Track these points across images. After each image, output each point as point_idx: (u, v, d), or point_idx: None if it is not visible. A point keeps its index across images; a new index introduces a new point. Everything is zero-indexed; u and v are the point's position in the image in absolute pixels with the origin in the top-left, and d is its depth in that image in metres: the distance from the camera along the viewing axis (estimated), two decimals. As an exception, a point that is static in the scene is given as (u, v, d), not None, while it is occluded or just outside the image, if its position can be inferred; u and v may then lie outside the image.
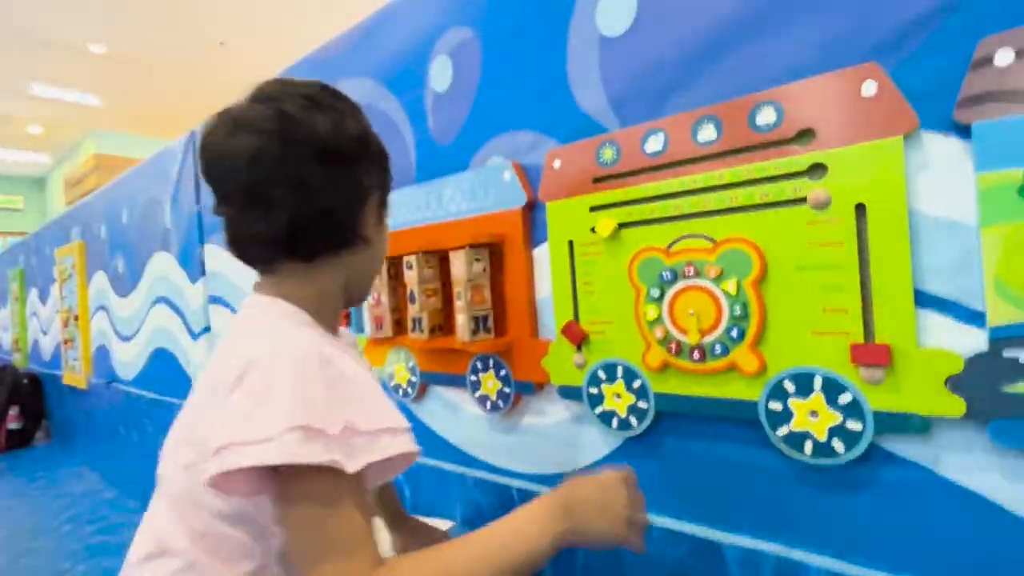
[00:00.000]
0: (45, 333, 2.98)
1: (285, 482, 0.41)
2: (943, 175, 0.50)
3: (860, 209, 0.53)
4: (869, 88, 0.52)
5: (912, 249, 0.51)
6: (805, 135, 0.56)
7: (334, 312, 0.56)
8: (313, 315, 0.51)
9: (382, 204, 0.56)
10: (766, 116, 0.57)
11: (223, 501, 0.45)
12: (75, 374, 2.50)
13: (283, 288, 0.51)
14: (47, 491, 2.25)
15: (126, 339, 2.06)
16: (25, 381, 3.02)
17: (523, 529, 0.45)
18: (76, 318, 2.43)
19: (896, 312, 0.51)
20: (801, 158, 0.55)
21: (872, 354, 0.51)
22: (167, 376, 1.77)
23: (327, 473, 0.40)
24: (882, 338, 0.52)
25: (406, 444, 0.44)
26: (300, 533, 0.41)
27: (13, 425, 2.94)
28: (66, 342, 2.58)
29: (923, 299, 0.51)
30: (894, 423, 0.52)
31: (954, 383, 0.49)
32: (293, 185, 0.46)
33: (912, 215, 0.51)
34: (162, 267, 1.77)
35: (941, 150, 0.50)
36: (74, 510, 2.01)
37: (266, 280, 0.53)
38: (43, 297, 2.99)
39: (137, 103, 6.32)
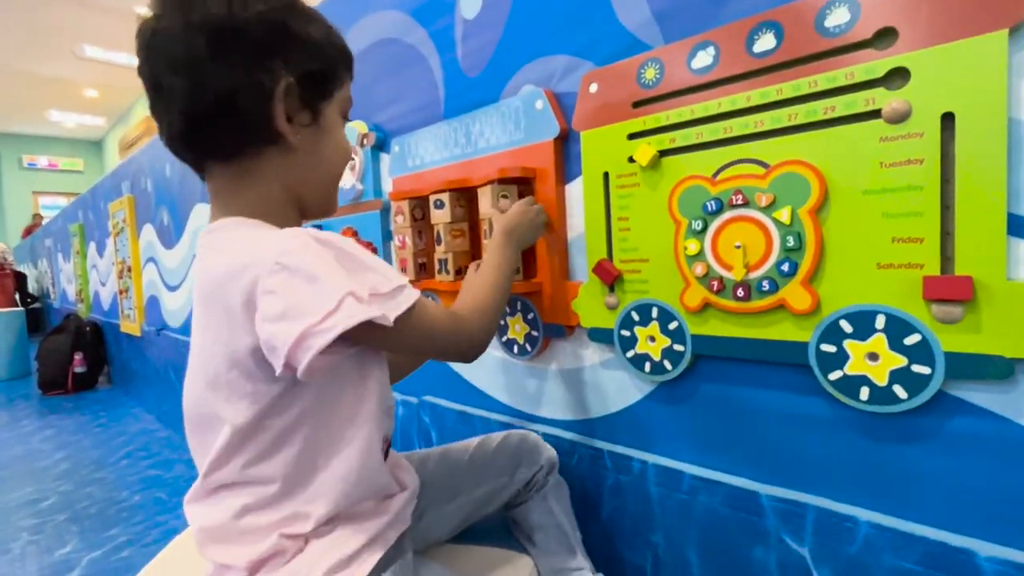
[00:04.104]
0: (103, 284, 3.14)
1: (370, 333, 0.44)
2: (1056, 75, 0.41)
3: (947, 120, 0.45)
4: (970, -28, 0.43)
5: (1008, 167, 0.43)
6: (884, 36, 0.47)
7: (290, 221, 0.51)
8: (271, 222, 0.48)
9: (314, 100, 0.49)
10: (838, 16, 0.49)
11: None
12: (130, 322, 2.62)
13: (226, 201, 0.49)
14: (108, 429, 2.41)
15: (173, 289, 2.13)
16: (88, 329, 3.21)
17: (500, 257, 0.66)
18: (129, 269, 2.53)
19: (984, 240, 0.44)
20: (878, 63, 0.47)
21: (951, 288, 0.45)
22: (210, 323, 1.82)
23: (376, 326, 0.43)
24: (963, 270, 0.45)
25: (416, 293, 0.48)
26: (406, 341, 0.49)
27: (78, 369, 3.14)
28: (121, 292, 2.71)
29: (1017, 225, 0.43)
30: (970, 366, 0.45)
31: (1049, 321, 0.42)
32: (181, 70, 0.44)
33: (1012, 126, 0.43)
34: (203, 218, 1.79)
35: (1057, 44, 0.41)
36: (131, 446, 2.15)
37: (212, 195, 0.50)
38: (100, 250, 3.13)
39: (182, 65, 6.41)
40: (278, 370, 0.41)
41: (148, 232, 2.34)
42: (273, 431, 0.46)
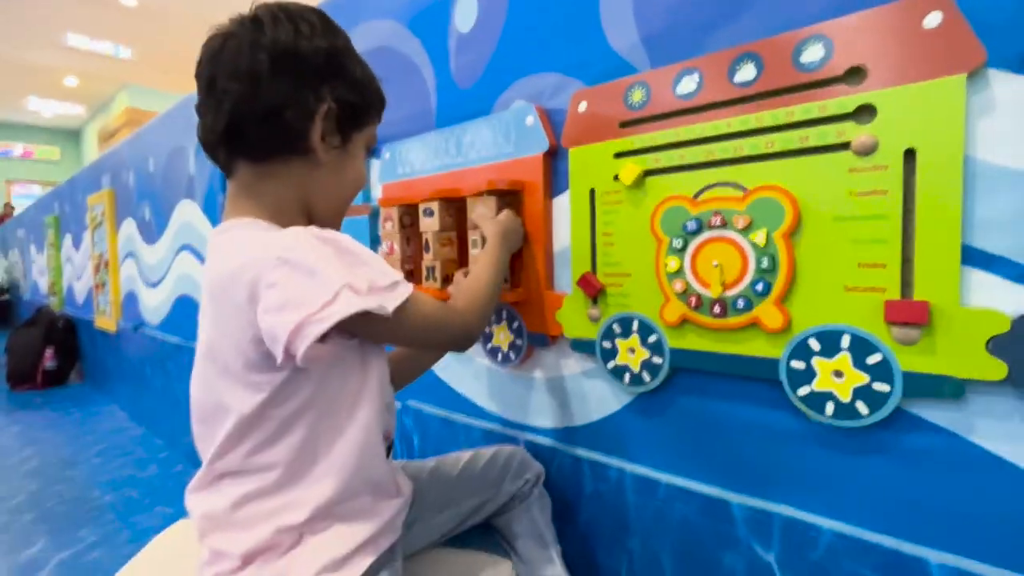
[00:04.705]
0: (79, 278, 3.07)
1: (367, 324, 0.47)
2: (1008, 119, 0.45)
3: (909, 155, 0.48)
4: (933, 19, 0.46)
5: (964, 201, 0.46)
6: (854, 74, 0.51)
7: (297, 225, 0.53)
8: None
9: (346, 128, 0.55)
10: (813, 53, 0.52)
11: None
12: (106, 318, 2.57)
13: (242, 202, 0.53)
14: (79, 426, 2.35)
15: (153, 285, 2.10)
16: (60, 324, 3.13)
17: (494, 258, 0.69)
18: (107, 264, 2.48)
19: (940, 268, 0.47)
20: (848, 99, 0.51)
21: (910, 311, 0.48)
22: (190, 322, 1.80)
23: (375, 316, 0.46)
24: (921, 295, 0.48)
25: (410, 288, 0.51)
26: (401, 333, 0.52)
27: (49, 364, 3.06)
28: (97, 287, 2.65)
29: (970, 255, 0.47)
30: (925, 386, 0.48)
31: (996, 345, 0.45)
32: (241, 78, 0.49)
33: (967, 163, 0.46)
34: (187, 215, 1.78)
35: (1009, 90, 0.45)
36: (103, 444, 2.10)
37: (230, 194, 0.55)
38: (76, 243, 3.06)
39: (167, 57, 6.33)
40: (279, 358, 0.44)
41: (128, 226, 2.30)
42: (277, 419, 0.48)
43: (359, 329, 0.48)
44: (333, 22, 0.54)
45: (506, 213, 0.76)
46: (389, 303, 0.47)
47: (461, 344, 0.60)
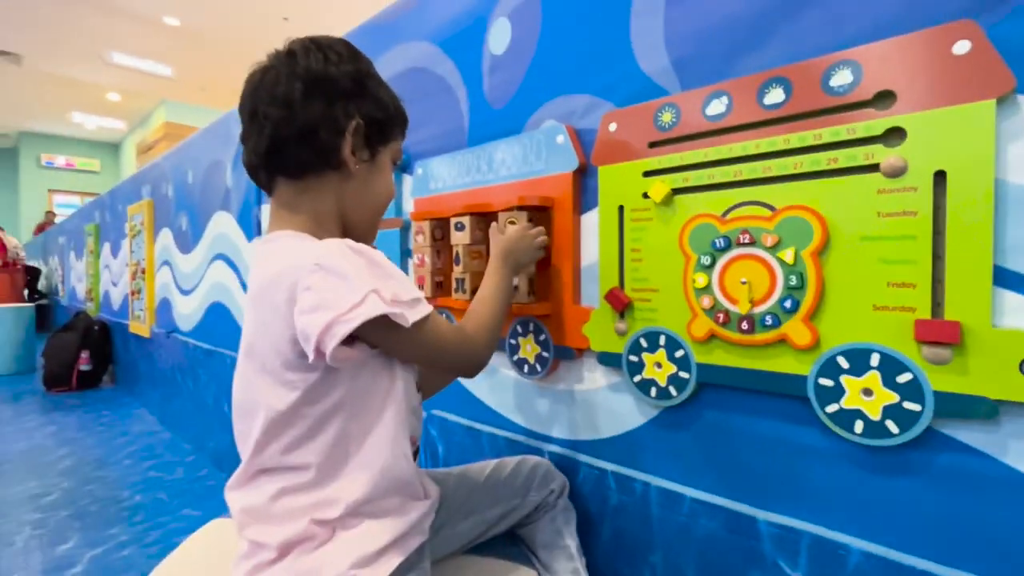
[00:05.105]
0: (115, 284, 3.19)
1: (387, 332, 0.51)
2: (1038, 143, 0.45)
3: (939, 177, 0.49)
4: (962, 47, 0.47)
5: (995, 223, 0.47)
6: (883, 98, 0.52)
7: (335, 236, 0.58)
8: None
9: (373, 142, 0.59)
10: (842, 77, 0.54)
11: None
12: (140, 323, 2.66)
13: (283, 216, 0.58)
14: (111, 428, 2.42)
15: (186, 293, 2.18)
16: (96, 328, 3.25)
17: (498, 279, 0.70)
18: (143, 272, 2.58)
19: (971, 289, 0.48)
20: (877, 122, 0.52)
21: (941, 331, 0.48)
22: (221, 329, 1.86)
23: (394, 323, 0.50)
24: (952, 316, 0.49)
25: (430, 308, 0.54)
26: (416, 349, 0.54)
27: (84, 367, 3.17)
28: (133, 293, 2.76)
29: (1002, 276, 0.47)
30: (957, 406, 0.49)
31: (1031, 367, 0.45)
32: (280, 104, 0.54)
33: (998, 185, 0.47)
34: (222, 226, 1.85)
35: (1039, 115, 0.45)
36: (133, 447, 2.17)
37: (273, 210, 0.59)
38: (115, 251, 3.19)
39: (205, 74, 6.60)
40: (311, 356, 0.48)
41: (165, 236, 2.39)
42: (311, 418, 0.51)
43: (379, 338, 0.52)
44: (358, 50, 0.60)
45: (515, 229, 0.76)
46: (410, 315, 0.50)
47: (470, 370, 0.62)
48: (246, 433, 0.54)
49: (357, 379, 0.52)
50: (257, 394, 0.53)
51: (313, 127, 0.55)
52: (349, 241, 0.51)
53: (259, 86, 0.56)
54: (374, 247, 0.54)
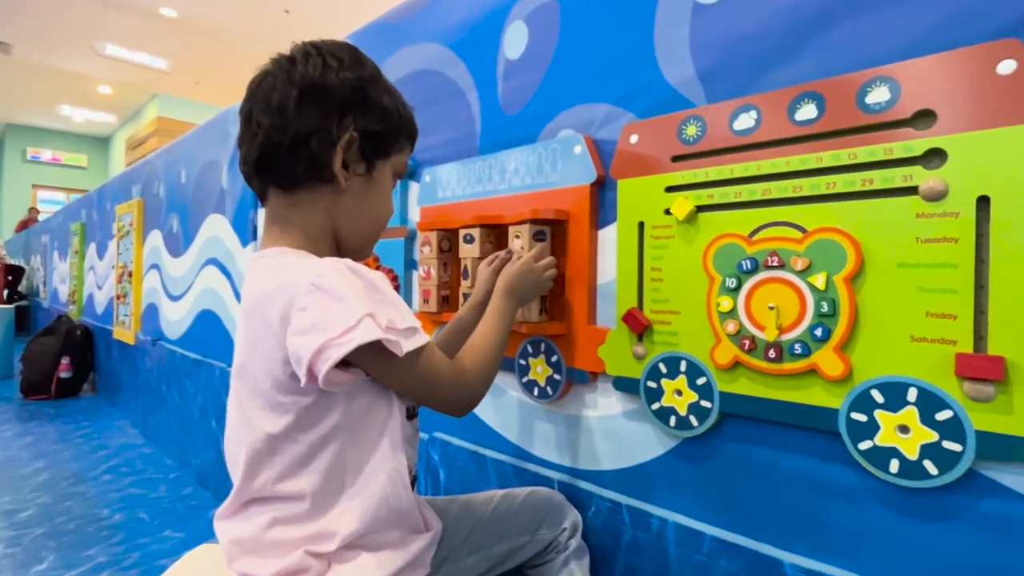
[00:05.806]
0: (100, 287, 3.22)
1: (380, 360, 0.51)
2: (1089, 169, 0.46)
3: (983, 202, 0.49)
4: (1007, 67, 0.48)
5: (1042, 252, 0.47)
6: (923, 117, 0.52)
7: (329, 253, 0.59)
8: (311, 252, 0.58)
9: (371, 156, 0.59)
10: (878, 95, 0.54)
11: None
12: (124, 329, 2.69)
13: (275, 229, 0.59)
14: (90, 441, 2.44)
15: (175, 299, 2.20)
16: (78, 332, 3.28)
17: (499, 314, 0.69)
18: (130, 275, 2.61)
19: (1016, 322, 0.48)
20: (916, 142, 0.52)
21: (983, 366, 0.48)
22: (211, 338, 1.88)
23: (386, 350, 0.50)
24: (996, 350, 0.49)
25: (427, 339, 0.54)
26: (409, 381, 0.54)
27: (64, 374, 3.20)
28: (119, 297, 2.78)
29: (1050, 310, 0.47)
30: (1002, 448, 0.48)
31: (1081, 408, 0.45)
32: (273, 112, 0.55)
33: (1046, 213, 0.47)
34: (216, 229, 1.87)
35: (1090, 140, 0.46)
36: (114, 461, 2.18)
37: (265, 222, 0.61)
38: (101, 252, 3.23)
39: (202, 68, 6.71)
40: (303, 380, 0.48)
41: (155, 238, 2.42)
42: (304, 444, 0.52)
43: (371, 365, 0.52)
44: (362, 55, 0.60)
45: (522, 263, 0.75)
46: (405, 344, 0.50)
47: (461, 410, 0.60)
48: (238, 456, 0.55)
49: (353, 404, 0.53)
50: (247, 416, 0.54)
51: (305, 137, 0.55)
52: (349, 261, 0.52)
53: (256, 91, 0.57)
54: (376, 258, 0.55)
